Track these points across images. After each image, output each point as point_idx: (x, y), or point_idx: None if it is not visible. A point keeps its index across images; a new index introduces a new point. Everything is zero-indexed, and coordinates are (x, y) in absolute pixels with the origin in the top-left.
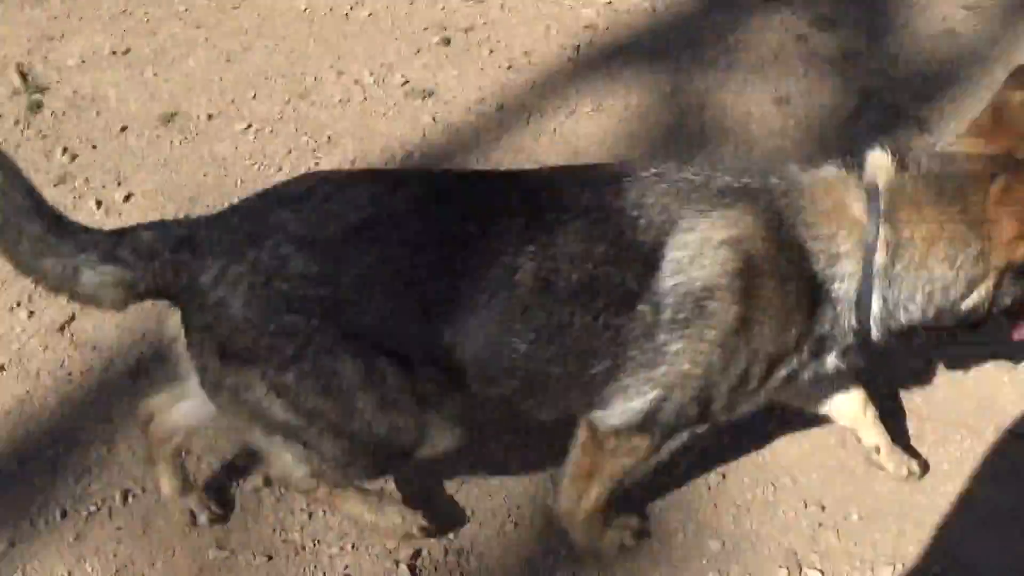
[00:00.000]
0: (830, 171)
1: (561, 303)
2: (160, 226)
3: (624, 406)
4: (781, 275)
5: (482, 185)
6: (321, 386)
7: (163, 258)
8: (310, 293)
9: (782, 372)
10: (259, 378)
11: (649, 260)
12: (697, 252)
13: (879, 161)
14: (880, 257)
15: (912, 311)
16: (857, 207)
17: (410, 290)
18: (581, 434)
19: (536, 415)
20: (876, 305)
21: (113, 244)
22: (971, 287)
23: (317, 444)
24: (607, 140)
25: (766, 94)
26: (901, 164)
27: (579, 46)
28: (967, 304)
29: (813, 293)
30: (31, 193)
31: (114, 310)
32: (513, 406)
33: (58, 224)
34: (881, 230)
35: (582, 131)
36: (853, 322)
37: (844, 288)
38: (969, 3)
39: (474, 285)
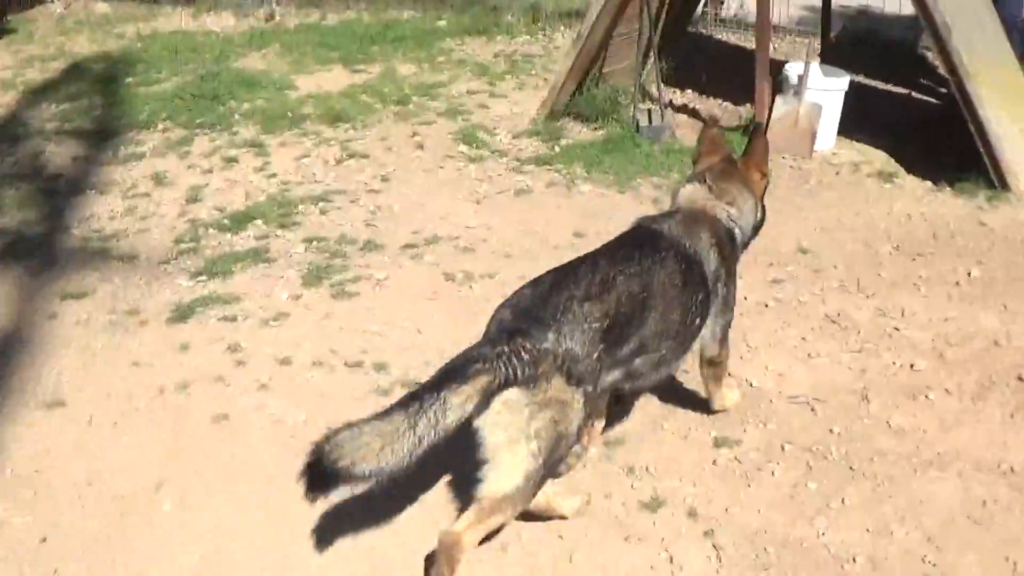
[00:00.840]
0: (694, 187)
1: (680, 301)
2: None
3: (712, 338)
4: (729, 239)
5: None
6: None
7: None
8: None
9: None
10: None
11: (698, 263)
12: (707, 251)
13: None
14: (734, 212)
15: (747, 231)
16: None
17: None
18: (704, 368)
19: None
20: (740, 233)
21: None
22: (756, 210)
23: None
24: None
25: None
26: (704, 179)
27: None
28: (757, 220)
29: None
30: None
31: None
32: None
33: None
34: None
35: None
36: (741, 242)
37: (736, 230)
38: None
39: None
